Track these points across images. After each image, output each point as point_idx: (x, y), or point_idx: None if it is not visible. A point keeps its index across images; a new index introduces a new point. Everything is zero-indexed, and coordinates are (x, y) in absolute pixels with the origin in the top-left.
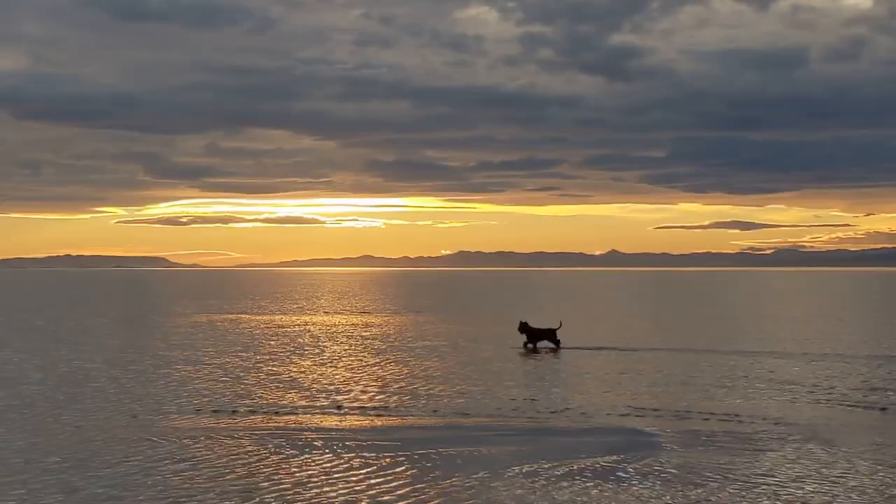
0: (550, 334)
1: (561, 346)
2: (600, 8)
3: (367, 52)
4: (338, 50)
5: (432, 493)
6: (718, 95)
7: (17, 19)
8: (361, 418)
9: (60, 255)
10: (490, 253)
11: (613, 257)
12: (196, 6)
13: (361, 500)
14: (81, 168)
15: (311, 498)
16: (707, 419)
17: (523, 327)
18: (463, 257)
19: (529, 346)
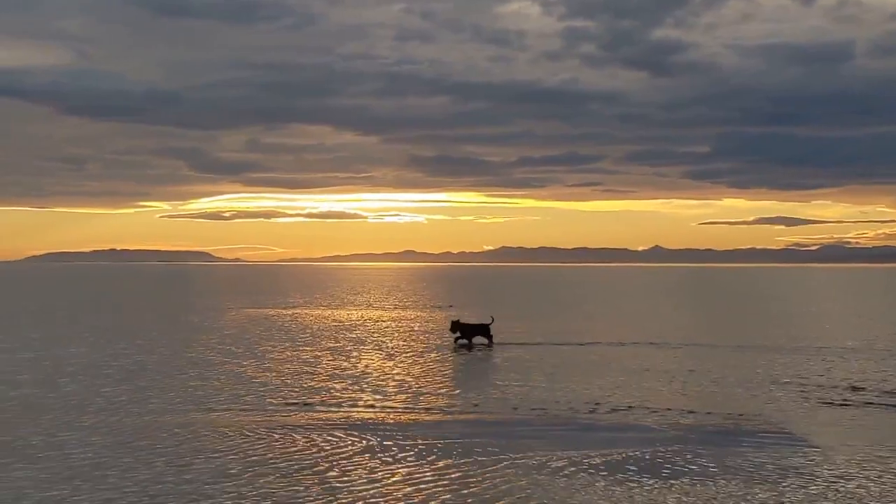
0: (483, 330)
1: (494, 342)
2: (643, 2)
3: (407, 48)
4: (378, 45)
5: (484, 487)
6: (762, 91)
7: (60, 16)
8: (414, 413)
9: (105, 249)
10: (532, 248)
11: (657, 253)
12: (236, 2)
13: (425, 493)
14: (124, 163)
15: (386, 492)
16: (741, 415)
17: (455, 325)
18: (505, 253)
19: (463, 342)
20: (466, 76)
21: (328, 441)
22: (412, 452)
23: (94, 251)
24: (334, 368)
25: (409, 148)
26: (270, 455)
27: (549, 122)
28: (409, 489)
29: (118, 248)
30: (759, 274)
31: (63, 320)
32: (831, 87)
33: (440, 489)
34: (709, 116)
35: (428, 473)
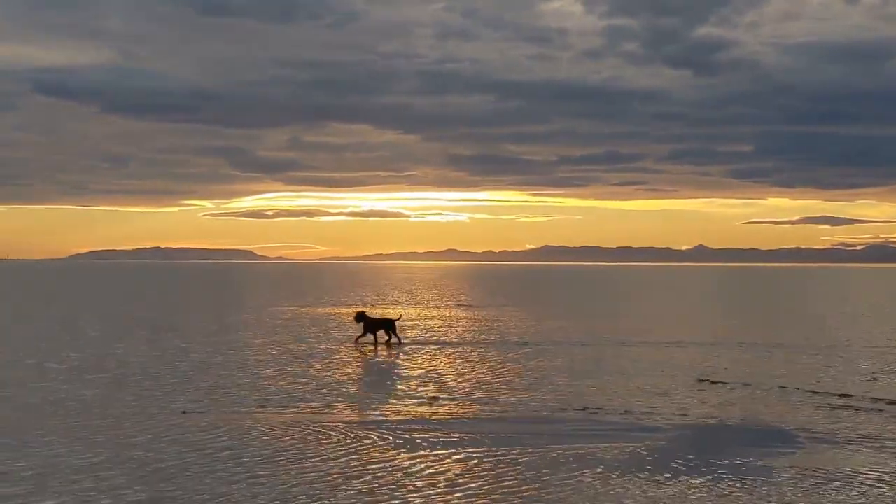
0: (388, 325)
1: (400, 339)
2: (686, 0)
3: (448, 46)
4: (419, 44)
5: (533, 489)
6: (806, 89)
7: (103, 15)
8: (462, 409)
9: (149, 247)
10: (575, 248)
11: (701, 252)
12: (278, 1)
13: (459, 492)
14: (167, 162)
15: (422, 490)
16: (772, 418)
17: (360, 316)
18: (547, 252)
19: (367, 335)
20: (508, 74)
21: (359, 439)
22: (440, 449)
23: (138, 249)
24: (378, 366)
25: (450, 146)
26: (312, 451)
27: (591, 120)
28: (436, 485)
29: (161, 247)
30: (803, 274)
31: (113, 318)
32: (876, 86)
33: (471, 484)
34: (752, 115)
35: (457, 468)
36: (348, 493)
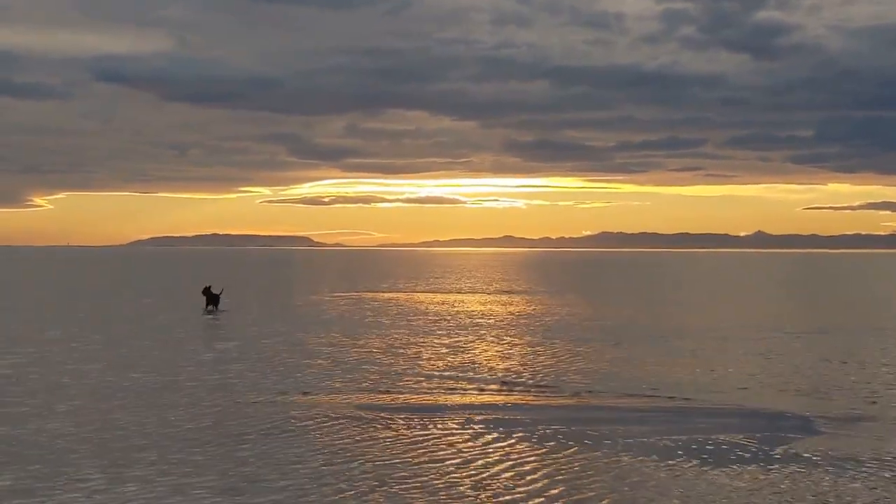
0: (215, 299)
1: (221, 309)
2: None
3: (505, 32)
4: (476, 30)
5: (589, 474)
6: (868, 73)
7: (161, 3)
8: (521, 396)
9: (208, 234)
10: (633, 234)
11: (760, 238)
12: None
13: (515, 479)
14: (225, 149)
15: (476, 476)
16: (848, 401)
17: (205, 291)
18: (605, 238)
19: (210, 308)
20: (565, 60)
21: (425, 425)
22: (509, 436)
23: (197, 235)
24: (439, 352)
25: (507, 133)
26: (368, 440)
27: (649, 106)
28: (504, 473)
29: (220, 233)
30: (864, 260)
31: (182, 305)
32: None
33: (537, 473)
34: (813, 100)
35: (512, 454)
36: (423, 477)
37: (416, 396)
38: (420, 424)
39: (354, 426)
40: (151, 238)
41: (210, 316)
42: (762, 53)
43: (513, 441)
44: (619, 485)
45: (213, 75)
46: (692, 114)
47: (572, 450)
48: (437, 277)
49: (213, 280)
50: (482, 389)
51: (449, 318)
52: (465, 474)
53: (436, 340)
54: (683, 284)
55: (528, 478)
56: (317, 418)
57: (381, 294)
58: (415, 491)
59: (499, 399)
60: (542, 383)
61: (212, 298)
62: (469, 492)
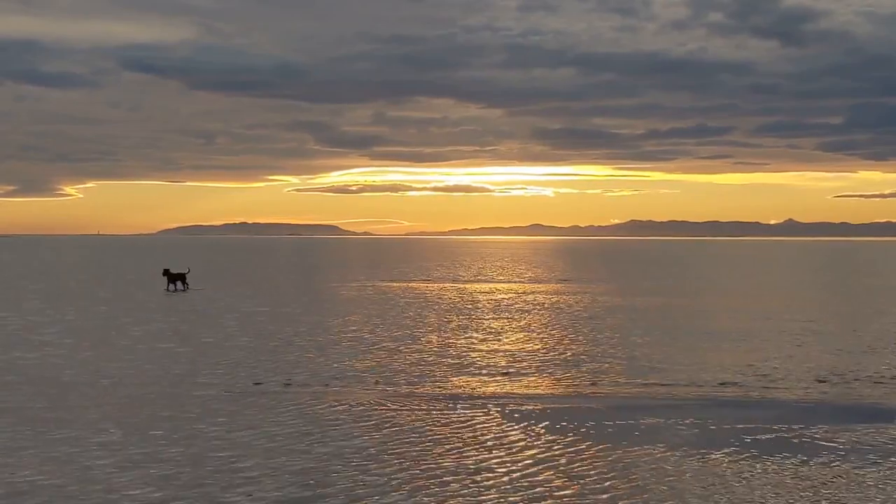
0: (182, 278)
1: (189, 287)
2: None
3: (532, 19)
4: (502, 17)
5: (617, 466)
6: None
7: None
8: (545, 386)
9: (236, 222)
10: (662, 222)
11: (790, 226)
12: None
13: (544, 472)
14: (253, 137)
15: (501, 469)
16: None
17: (165, 272)
18: (634, 226)
19: (171, 287)
20: (592, 47)
21: (465, 415)
22: (540, 426)
23: (225, 224)
24: (476, 342)
25: (534, 120)
26: (406, 427)
27: (677, 93)
28: (538, 465)
29: (248, 222)
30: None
31: (209, 294)
32: None
33: (561, 466)
34: (842, 87)
35: (541, 448)
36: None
37: (442, 385)
38: (443, 411)
39: (382, 413)
40: (180, 227)
41: (174, 292)
42: (791, 40)
43: (542, 430)
44: (650, 477)
45: (239, 63)
46: (721, 101)
47: (602, 444)
48: (470, 266)
49: (188, 264)
50: (515, 379)
51: (488, 306)
52: (504, 464)
53: (470, 329)
54: (719, 273)
55: (562, 469)
56: (344, 405)
57: (418, 283)
58: (447, 475)
59: (533, 388)
60: (578, 371)
61: (173, 278)
62: (504, 481)
